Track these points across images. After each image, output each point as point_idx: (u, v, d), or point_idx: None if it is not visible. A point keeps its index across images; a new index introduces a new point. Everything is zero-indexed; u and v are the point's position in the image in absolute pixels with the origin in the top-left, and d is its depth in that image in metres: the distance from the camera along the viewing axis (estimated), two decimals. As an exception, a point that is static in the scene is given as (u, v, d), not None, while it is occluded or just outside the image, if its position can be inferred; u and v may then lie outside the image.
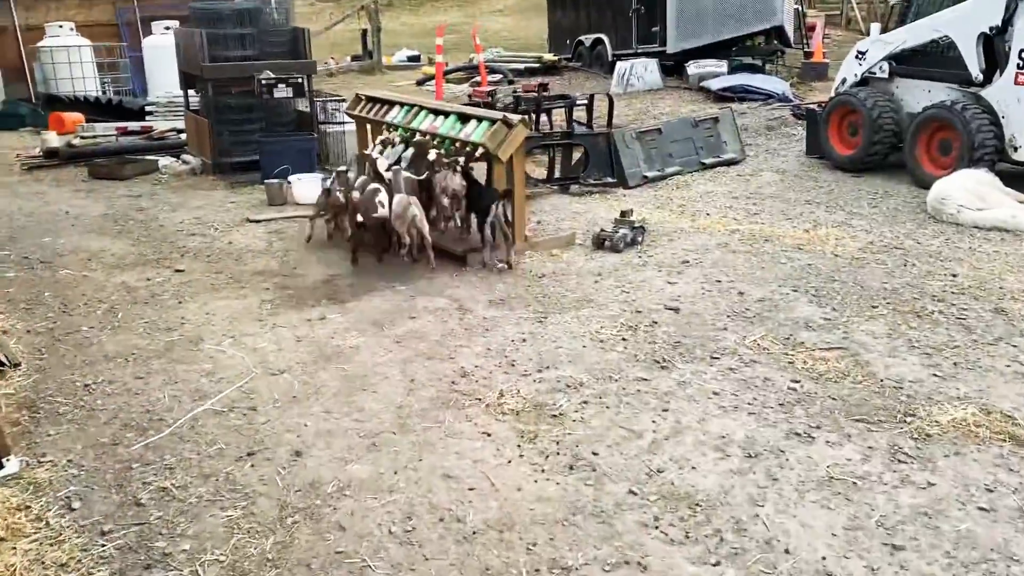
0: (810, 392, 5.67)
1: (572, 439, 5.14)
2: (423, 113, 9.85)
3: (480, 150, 8.63)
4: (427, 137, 9.46)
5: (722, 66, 20.17)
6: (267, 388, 5.93)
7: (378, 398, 5.74)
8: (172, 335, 6.97)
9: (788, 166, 13.19)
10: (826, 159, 13.01)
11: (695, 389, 5.74)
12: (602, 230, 9.20)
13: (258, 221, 10.61)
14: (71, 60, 19.42)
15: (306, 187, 11.37)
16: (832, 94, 13.01)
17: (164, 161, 13.71)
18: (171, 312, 7.50)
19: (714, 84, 18.65)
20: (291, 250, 9.39)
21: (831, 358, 6.20)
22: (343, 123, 13.58)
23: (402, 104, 10.37)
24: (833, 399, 5.57)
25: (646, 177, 12.47)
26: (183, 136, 14.91)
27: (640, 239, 9.24)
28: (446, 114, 9.46)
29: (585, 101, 13.02)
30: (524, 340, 6.68)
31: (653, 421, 5.31)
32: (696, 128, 13.38)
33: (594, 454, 4.95)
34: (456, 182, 8.56)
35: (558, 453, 4.98)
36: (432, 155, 8.84)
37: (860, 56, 12.52)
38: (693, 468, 4.79)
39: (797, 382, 5.82)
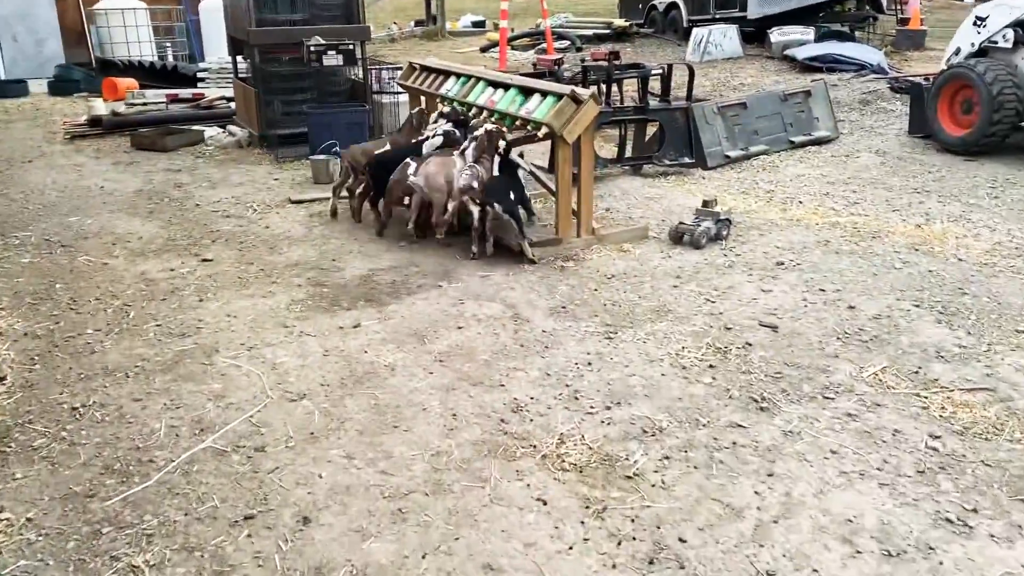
0: (956, 453, 4.40)
1: (651, 514, 3.97)
2: (480, 85, 8.66)
3: (543, 129, 7.39)
4: (484, 113, 8.27)
5: (808, 33, 18.49)
6: (282, 419, 4.88)
7: (411, 440, 4.65)
8: (185, 342, 5.97)
9: (888, 147, 11.67)
10: (933, 140, 11.46)
11: (807, 444, 4.52)
12: (681, 223, 7.93)
13: (300, 202, 9.57)
14: (126, 23, 18.64)
15: (354, 164, 10.29)
16: (942, 66, 11.40)
17: (210, 132, 12.78)
18: (188, 313, 6.50)
19: (800, 53, 17.02)
20: (332, 237, 8.33)
21: (975, 403, 4.90)
22: (398, 93, 12.44)
23: (458, 75, 9.18)
24: (988, 465, 4.30)
25: (728, 157, 11.11)
26: (233, 105, 13.95)
27: (725, 233, 7.95)
28: (506, 86, 8.24)
29: (660, 71, 11.66)
30: (589, 363, 5.51)
31: (756, 492, 4.11)
32: (785, 103, 11.92)
33: (681, 541, 3.78)
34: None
35: (634, 537, 3.82)
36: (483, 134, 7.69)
37: (979, 22, 10.91)
38: (815, 572, 3.58)
39: (937, 437, 4.55)
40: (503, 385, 5.27)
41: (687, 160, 10.74)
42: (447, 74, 9.40)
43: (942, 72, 11.22)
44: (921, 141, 11.71)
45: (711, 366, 5.47)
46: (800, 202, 9.37)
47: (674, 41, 22.30)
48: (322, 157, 10.45)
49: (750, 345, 5.74)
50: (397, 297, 6.76)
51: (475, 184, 7.43)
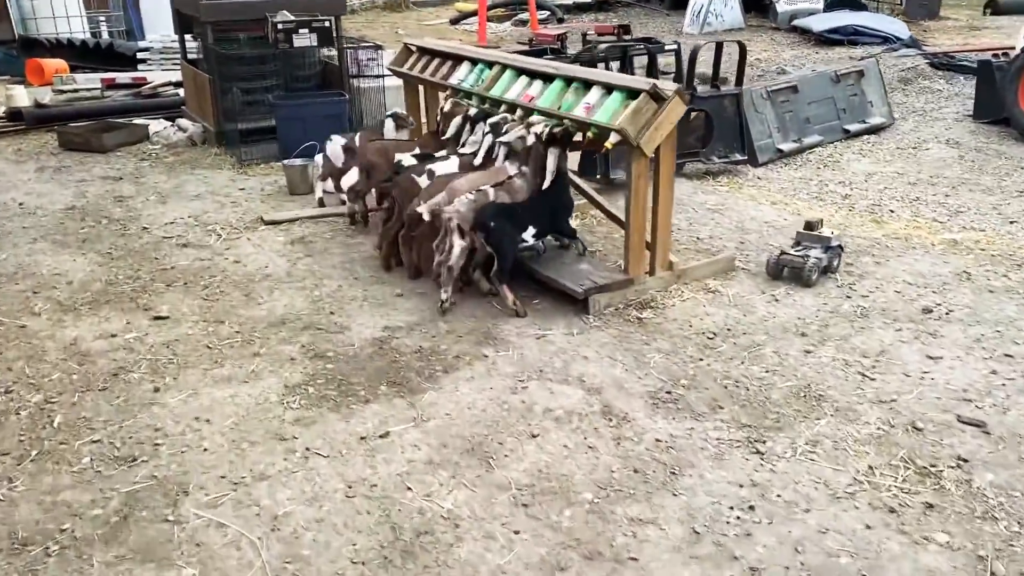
0: None
1: None
2: (508, 75, 6.68)
3: (612, 137, 5.46)
4: (517, 112, 6.32)
5: (816, 2, 16.75)
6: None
7: None
8: (135, 475, 4.01)
9: (956, 135, 9.95)
10: (1013, 127, 9.76)
11: None
12: (783, 253, 6.08)
13: (277, 222, 7.52)
14: (52, -6, 16.11)
15: (339, 171, 8.25)
16: (1022, 42, 9.65)
17: (156, 127, 10.56)
18: (140, 415, 4.52)
19: (815, 24, 15.25)
20: (324, 275, 6.34)
21: None
22: (380, 76, 10.37)
23: (474, 60, 7.18)
24: None
25: (780, 151, 9.31)
26: (182, 92, 11.72)
27: (836, 264, 6.13)
28: (547, 77, 6.27)
29: (675, 48, 9.85)
30: (750, 506, 3.68)
31: None
32: (837, 84, 10.11)
33: None
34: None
35: None
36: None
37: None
38: None
39: None
40: (633, 558, 3.39)
41: (739, 156, 8.89)
42: (457, 59, 7.40)
43: (1024, 49, 9.47)
44: (994, 129, 10.02)
45: (929, 506, 3.66)
46: (891, 211, 7.60)
47: (661, 11, 20.40)
48: (299, 162, 8.38)
49: (964, 461, 3.95)
50: (431, 378, 4.84)
51: (468, 211, 5.60)
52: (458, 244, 5.68)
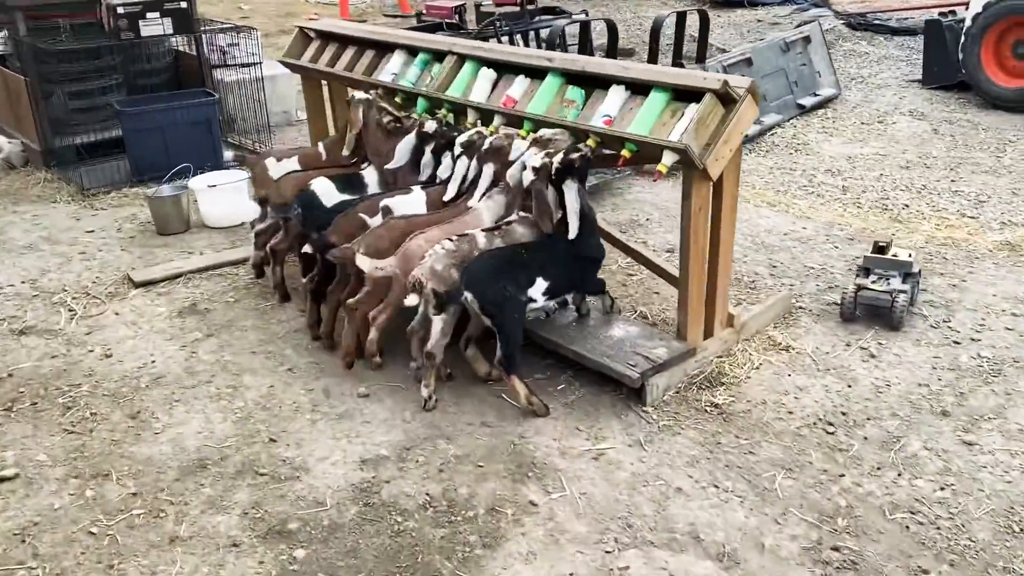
0: None
1: None
2: (470, 68, 4.86)
3: (667, 158, 3.79)
4: (496, 121, 4.55)
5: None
6: None
7: None
8: None
9: (915, 105, 8.89)
10: (972, 92, 8.78)
11: None
12: (861, 288, 4.62)
13: (152, 283, 5.40)
14: None
15: (226, 198, 6.18)
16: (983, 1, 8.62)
17: (-46, 146, 7.96)
18: None
19: (709, -17, 14.00)
20: (242, 368, 4.43)
21: None
22: (248, 64, 8.21)
23: (412, 48, 5.29)
24: None
25: (745, 135, 7.84)
26: (-15, 96, 9.05)
27: (916, 293, 4.73)
28: (532, 72, 4.51)
29: (584, 18, 8.33)
30: None
31: None
32: (787, 54, 8.80)
33: None
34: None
35: None
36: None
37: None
38: None
39: None
40: None
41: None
42: (384, 47, 5.48)
43: (988, 6, 8.43)
44: (951, 96, 9.05)
45: None
46: (905, 206, 6.34)
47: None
48: (168, 193, 6.22)
49: None
50: (469, 562, 3.07)
51: (446, 269, 3.82)
52: (438, 321, 3.88)
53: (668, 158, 3.78)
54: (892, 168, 7.18)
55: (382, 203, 4.36)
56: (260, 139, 7.81)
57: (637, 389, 3.93)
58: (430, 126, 4.68)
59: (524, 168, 4.05)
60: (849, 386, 4.05)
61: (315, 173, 4.99)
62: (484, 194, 4.31)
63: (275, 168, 5.28)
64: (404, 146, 4.74)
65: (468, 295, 3.78)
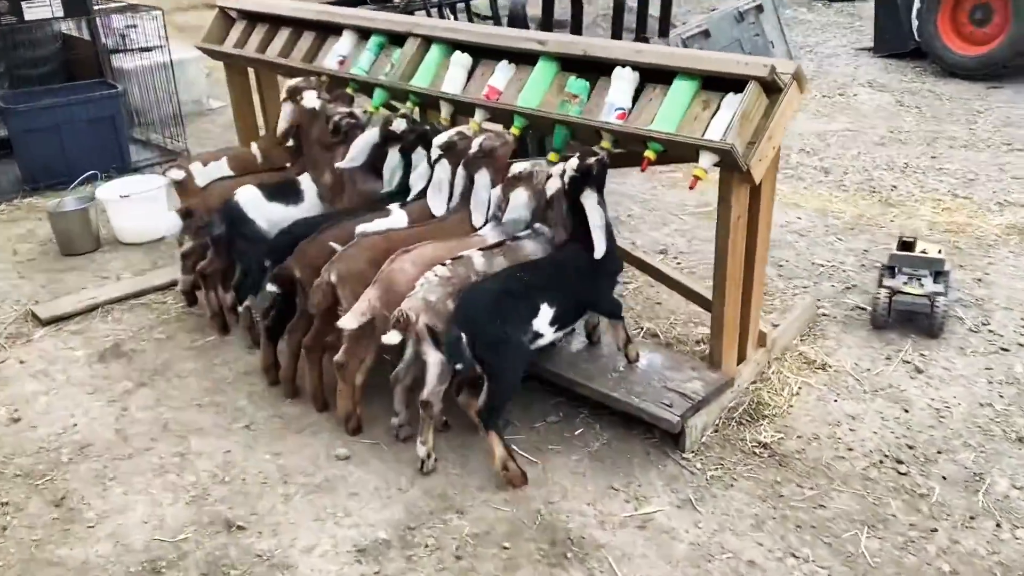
0: None
1: None
2: (438, 52, 4.12)
3: (705, 161, 3.17)
4: (477, 116, 3.85)
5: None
6: None
7: None
8: None
9: (873, 75, 8.56)
10: (929, 60, 8.48)
11: None
12: (897, 291, 4.12)
13: (62, 319, 4.51)
14: None
15: (141, 210, 5.29)
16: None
17: None
18: None
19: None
20: (188, 427, 3.67)
21: None
22: (149, 48, 7.27)
23: (363, 30, 4.51)
24: None
25: (706, 114, 7.31)
26: None
27: (948, 294, 4.26)
28: (518, 56, 3.82)
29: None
30: None
31: None
32: (741, 24, 8.26)
33: None
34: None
35: None
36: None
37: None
38: None
39: None
40: None
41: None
42: (328, 29, 4.69)
43: (945, -30, 8.11)
44: (906, 65, 8.75)
45: None
46: (893, 187, 5.95)
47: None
48: (73, 206, 5.29)
49: None
50: None
51: (441, 300, 3.14)
52: (434, 364, 3.19)
53: (706, 160, 3.15)
54: (867, 145, 6.77)
55: (357, 229, 3.60)
56: (173, 135, 6.86)
57: (677, 436, 3.33)
58: (399, 124, 3.94)
59: (550, 177, 3.39)
60: (905, 411, 3.55)
61: (251, 180, 4.21)
62: (490, 215, 3.62)
63: (201, 174, 4.46)
64: (362, 143, 3.98)
65: (463, 335, 3.09)
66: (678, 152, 3.30)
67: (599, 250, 3.33)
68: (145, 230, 5.28)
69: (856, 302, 4.41)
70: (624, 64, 3.43)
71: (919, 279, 4.16)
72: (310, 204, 4.09)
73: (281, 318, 3.76)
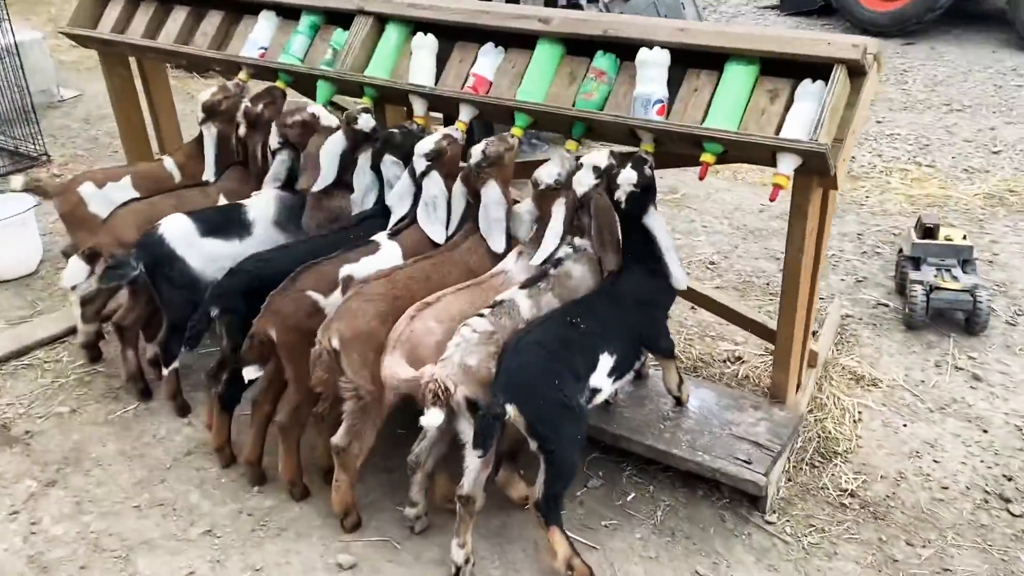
0: None
1: None
2: (398, 34, 3.33)
3: (785, 167, 2.56)
4: (464, 114, 3.11)
5: None
6: None
7: None
8: None
9: (785, 33, 8.18)
10: (840, 17, 8.24)
11: None
12: (935, 287, 3.68)
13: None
14: None
15: (8, 237, 4.21)
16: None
17: None
18: None
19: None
20: (127, 543, 2.76)
21: None
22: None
23: (288, 7, 3.64)
24: None
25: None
26: None
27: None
28: (507, 38, 3.09)
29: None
30: None
31: None
32: (655, -16, 7.73)
33: None
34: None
35: None
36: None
37: None
38: None
39: None
40: None
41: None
42: (240, 7, 3.78)
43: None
44: (815, 22, 8.48)
45: None
46: (852, 158, 5.56)
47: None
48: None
49: None
50: None
51: (483, 363, 2.47)
52: (469, 431, 2.48)
53: (788, 164, 2.55)
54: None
55: (342, 272, 2.79)
56: (26, 135, 5.67)
57: (756, 498, 2.76)
58: (365, 120, 3.13)
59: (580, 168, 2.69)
60: (984, 431, 3.13)
61: (167, 205, 3.31)
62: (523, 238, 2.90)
63: (97, 199, 3.51)
64: (329, 152, 3.16)
65: (509, 408, 2.38)
66: (743, 154, 2.68)
67: (678, 279, 2.70)
68: (15, 263, 4.23)
69: (875, 297, 3.97)
70: (657, 45, 2.76)
71: (948, 270, 3.74)
72: (262, 238, 3.22)
73: (236, 383, 2.92)
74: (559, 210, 2.72)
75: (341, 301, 2.68)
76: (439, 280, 2.80)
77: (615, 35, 2.85)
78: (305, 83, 3.59)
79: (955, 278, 3.69)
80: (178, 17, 3.93)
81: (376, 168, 3.13)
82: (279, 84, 3.56)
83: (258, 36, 3.66)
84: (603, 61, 2.88)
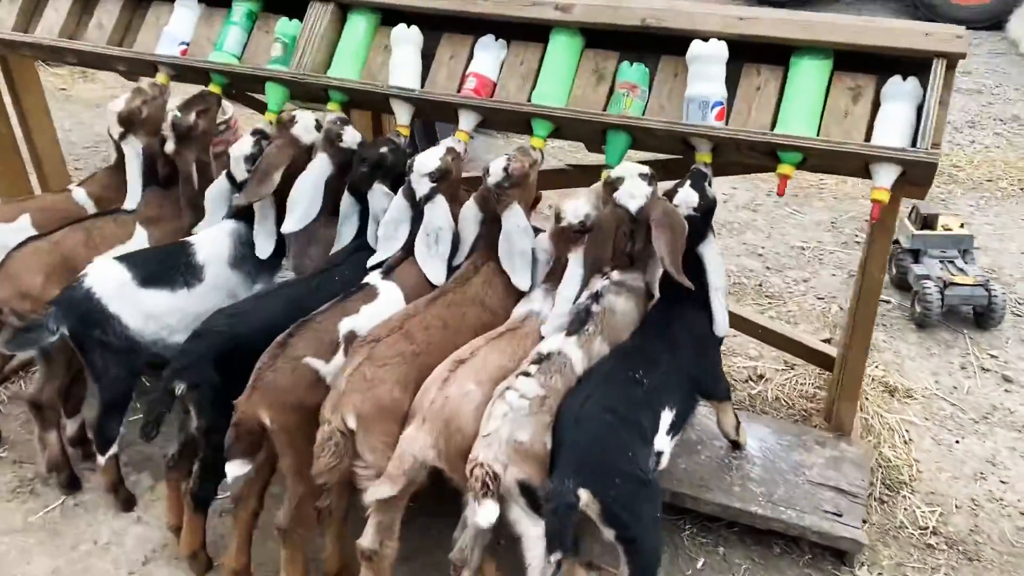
0: None
1: None
2: (366, 25, 2.76)
3: (884, 176, 2.19)
4: (460, 130, 2.57)
5: None
6: None
7: None
8: None
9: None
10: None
11: None
12: (948, 284, 3.46)
13: None
14: None
15: None
16: None
17: None
18: None
19: None
20: None
21: None
22: None
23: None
24: None
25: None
26: None
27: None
28: (509, 28, 2.57)
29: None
30: None
31: None
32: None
33: None
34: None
35: None
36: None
37: None
38: None
39: None
40: None
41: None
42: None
43: None
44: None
45: None
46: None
47: None
48: None
49: None
50: None
51: (538, 436, 2.01)
52: (536, 538, 1.99)
53: (887, 176, 2.18)
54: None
55: (341, 328, 2.21)
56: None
57: (843, 554, 2.42)
58: (350, 135, 2.55)
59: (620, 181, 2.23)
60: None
61: (75, 241, 2.63)
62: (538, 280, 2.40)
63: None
64: (311, 181, 2.55)
65: (583, 493, 1.92)
66: (826, 163, 2.29)
67: (720, 325, 2.29)
68: None
69: (873, 293, 3.72)
70: (711, 37, 2.32)
71: (951, 262, 3.54)
72: (217, 284, 2.58)
73: (212, 474, 2.30)
74: (576, 261, 2.26)
75: (346, 365, 2.12)
76: (456, 325, 2.30)
77: (657, 25, 2.38)
78: (243, 86, 2.93)
79: (962, 271, 3.49)
80: (60, 5, 3.14)
81: (356, 192, 2.55)
82: (212, 88, 2.88)
83: (176, 28, 2.95)
84: (632, 73, 2.42)
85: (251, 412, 2.10)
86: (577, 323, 2.19)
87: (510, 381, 2.01)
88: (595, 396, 2.04)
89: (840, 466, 2.55)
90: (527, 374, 2.04)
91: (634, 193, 2.24)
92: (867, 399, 3.08)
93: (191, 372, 2.23)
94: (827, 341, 3.32)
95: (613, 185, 2.27)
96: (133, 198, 2.86)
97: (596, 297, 2.25)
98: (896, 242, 3.74)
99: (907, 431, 2.95)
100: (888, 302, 3.66)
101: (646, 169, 2.27)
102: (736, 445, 2.61)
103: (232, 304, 2.42)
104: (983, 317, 3.44)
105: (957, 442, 2.92)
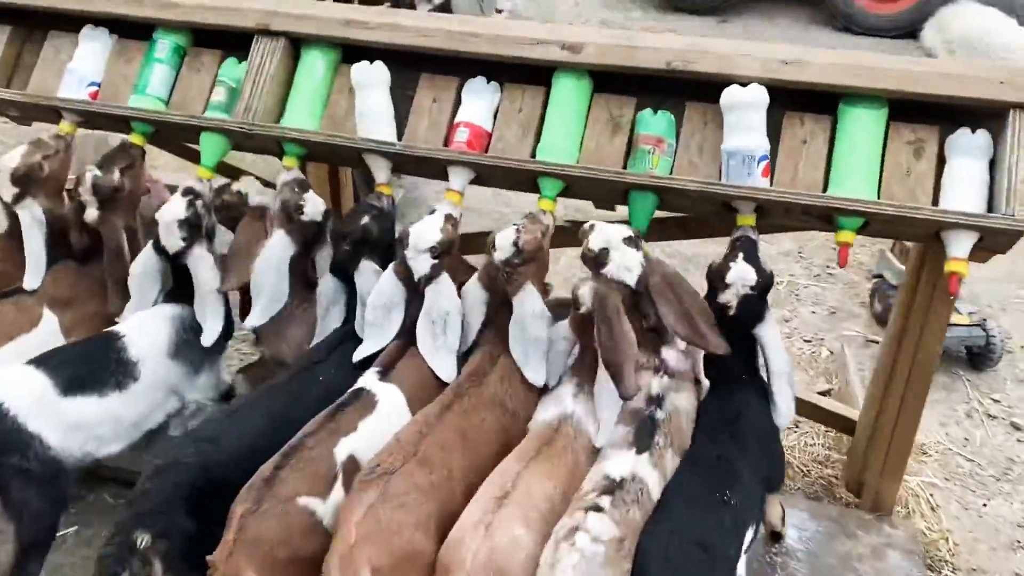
0: None
1: None
2: (324, 63, 2.31)
3: (957, 244, 1.92)
4: (452, 193, 2.17)
5: None
6: None
7: None
8: None
9: (599, 13, 7.77)
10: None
11: None
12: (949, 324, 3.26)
13: None
14: None
15: None
16: None
17: None
18: None
19: None
20: None
21: None
22: None
23: (130, 22, 2.44)
24: None
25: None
26: None
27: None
28: (503, 68, 2.19)
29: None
30: None
31: None
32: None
33: None
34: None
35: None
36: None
37: None
38: None
39: None
40: None
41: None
42: (40, 19, 2.50)
43: None
44: (627, -2, 8.03)
45: None
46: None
47: None
48: None
49: None
50: None
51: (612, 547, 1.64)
52: None
53: (963, 245, 1.91)
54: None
55: (338, 453, 1.77)
56: None
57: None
58: (313, 206, 2.11)
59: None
60: (1063, 497, 2.75)
61: None
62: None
63: None
64: (271, 264, 2.09)
65: None
66: (890, 228, 2.00)
67: (784, 414, 1.97)
68: None
69: (858, 332, 3.53)
70: (749, 83, 2.00)
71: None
72: (155, 382, 2.09)
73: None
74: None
75: (354, 507, 1.68)
76: (476, 436, 1.90)
77: (684, 69, 2.04)
78: (171, 136, 2.43)
79: (956, 309, 3.30)
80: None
81: (339, 272, 2.12)
82: (134, 138, 2.37)
83: (83, 66, 2.42)
84: (657, 123, 2.07)
85: (232, 572, 1.64)
86: (645, 435, 1.82)
87: (576, 519, 1.62)
88: (684, 528, 1.68)
89: (888, 555, 2.29)
90: (598, 508, 1.65)
91: (628, 265, 1.90)
92: (890, 452, 2.84)
93: (156, 518, 1.75)
94: (825, 393, 3.09)
95: (599, 259, 1.93)
96: (35, 275, 2.32)
97: (658, 401, 1.89)
98: (880, 276, 3.54)
99: (931, 495, 2.72)
100: (876, 342, 3.45)
101: (628, 231, 1.94)
102: (776, 536, 2.31)
103: (200, 424, 1.95)
104: (979, 358, 3.27)
105: (984, 505, 2.72)
